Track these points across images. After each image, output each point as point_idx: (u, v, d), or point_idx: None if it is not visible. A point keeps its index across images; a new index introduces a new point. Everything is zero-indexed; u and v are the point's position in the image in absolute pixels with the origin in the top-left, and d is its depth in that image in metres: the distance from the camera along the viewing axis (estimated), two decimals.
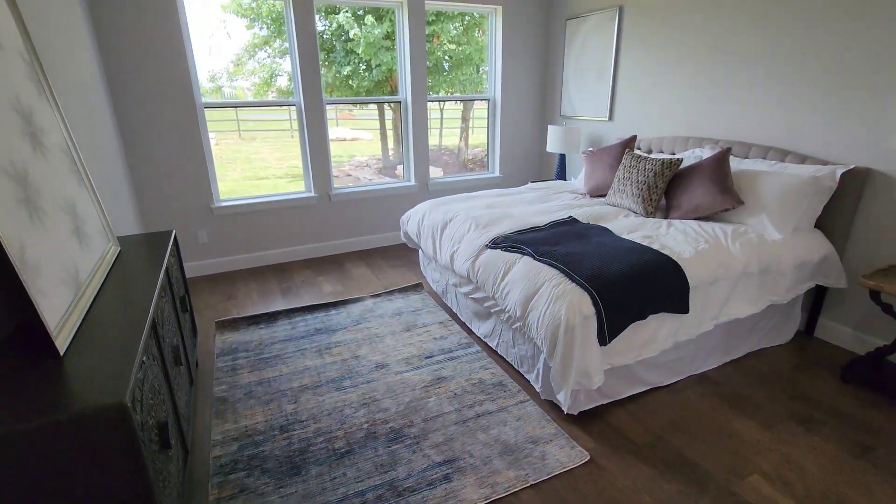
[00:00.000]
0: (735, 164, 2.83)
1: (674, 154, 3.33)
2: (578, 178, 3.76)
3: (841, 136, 2.53)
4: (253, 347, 2.70)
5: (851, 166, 2.46)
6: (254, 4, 4.80)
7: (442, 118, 6.43)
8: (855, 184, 2.46)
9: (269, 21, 5.10)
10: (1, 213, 1.15)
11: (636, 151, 3.45)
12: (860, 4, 2.37)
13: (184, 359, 2.01)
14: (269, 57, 5.60)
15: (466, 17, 4.82)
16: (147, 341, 1.37)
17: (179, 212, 3.58)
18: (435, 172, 5.01)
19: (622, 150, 3.30)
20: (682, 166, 2.87)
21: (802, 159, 2.67)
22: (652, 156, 3.30)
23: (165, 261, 1.91)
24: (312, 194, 4.03)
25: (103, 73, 3.07)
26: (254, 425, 2.06)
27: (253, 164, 5.81)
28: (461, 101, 5.32)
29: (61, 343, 1.22)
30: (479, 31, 4.96)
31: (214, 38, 5.02)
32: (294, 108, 3.96)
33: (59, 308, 1.29)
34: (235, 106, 4.12)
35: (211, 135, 3.65)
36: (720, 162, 2.66)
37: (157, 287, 1.65)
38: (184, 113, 3.41)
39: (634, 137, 3.38)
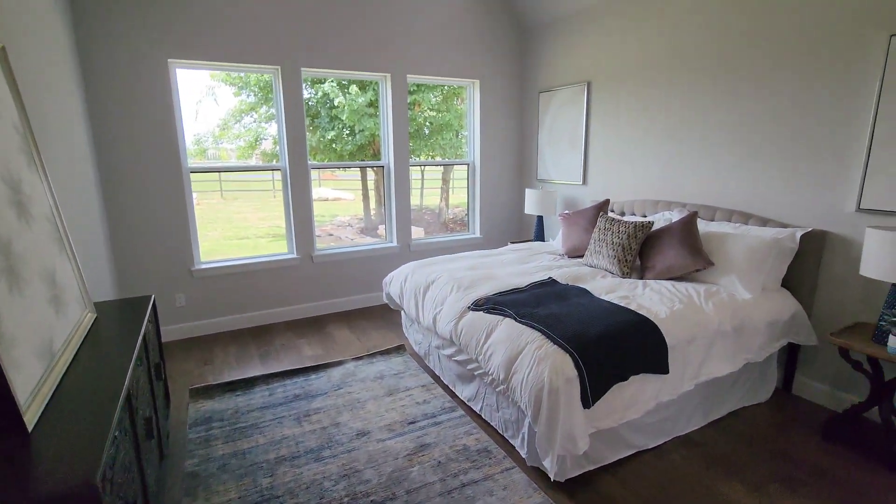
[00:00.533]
0: (702, 226, 2.99)
1: (645, 216, 3.49)
2: (556, 239, 3.88)
3: (798, 200, 2.71)
4: (228, 416, 2.60)
5: (809, 229, 2.62)
6: (242, 74, 5.02)
7: (423, 178, 6.63)
8: (814, 245, 2.61)
9: (256, 89, 5.33)
10: None
11: (610, 214, 3.60)
12: (814, 80, 2.63)
13: (155, 431, 1.92)
14: (255, 122, 5.80)
15: (445, 87, 5.13)
16: (121, 414, 1.32)
17: (158, 274, 3.54)
18: (417, 232, 5.10)
19: (596, 213, 3.45)
20: (653, 228, 3.00)
21: (764, 222, 2.83)
22: (625, 218, 3.45)
23: (143, 328, 1.88)
24: (295, 256, 4.04)
25: (92, 136, 3.13)
26: (226, 503, 1.95)
27: (234, 223, 5.83)
28: (442, 165, 5.54)
29: (30, 418, 1.17)
30: (458, 99, 5.26)
31: (202, 103, 5.20)
32: (279, 171, 4.05)
33: (31, 380, 1.25)
34: (222, 170, 4.20)
35: (193, 195, 3.69)
36: (688, 224, 2.80)
37: (133, 357, 1.61)
38: (169, 177, 3.46)
39: (608, 201, 3.55)
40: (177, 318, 3.66)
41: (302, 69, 3.83)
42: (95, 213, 3.02)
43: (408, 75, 4.28)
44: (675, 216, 3.17)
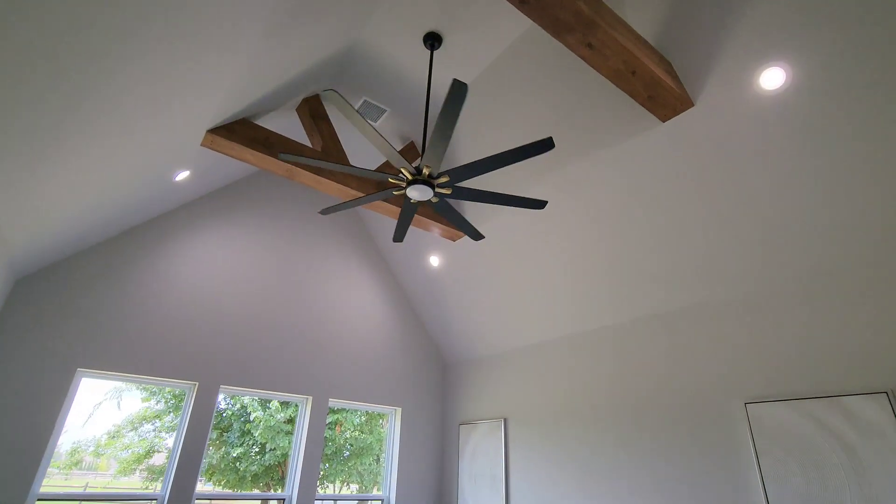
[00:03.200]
0: None
1: None
2: None
3: None
4: None
5: None
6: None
7: None
8: None
9: (169, 396, 4.98)
10: None
11: None
12: (700, 446, 2.85)
13: None
14: (154, 430, 5.14)
15: (370, 412, 5.10)
16: None
17: None
18: None
19: None
20: None
21: None
22: None
23: None
24: None
25: None
26: None
27: None
28: (354, 500, 4.97)
29: None
30: (383, 421, 5.17)
31: (101, 406, 4.64)
32: (154, 501, 3.40)
33: None
34: (84, 498, 3.49)
35: None
36: None
37: None
38: None
39: None
40: None
41: (221, 386, 3.77)
42: None
43: (330, 399, 4.29)
44: None
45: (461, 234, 4.11)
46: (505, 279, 4.10)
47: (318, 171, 3.38)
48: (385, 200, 3.68)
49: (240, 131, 3.09)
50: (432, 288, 4.81)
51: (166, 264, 3.77)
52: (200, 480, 5.21)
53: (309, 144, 4.02)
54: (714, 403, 2.81)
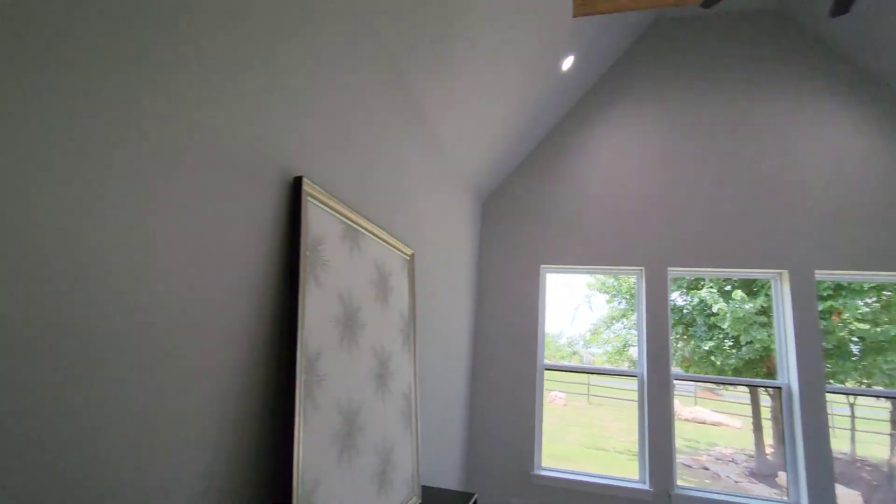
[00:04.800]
0: None
1: None
2: None
3: None
4: None
5: None
6: (615, 283, 5.14)
7: (853, 416, 4.64)
8: None
9: (628, 297, 5.30)
10: (312, 446, 1.22)
11: None
12: None
13: None
14: (624, 328, 5.65)
15: (886, 293, 3.65)
16: None
17: (497, 471, 3.46)
18: (847, 497, 3.31)
19: None
20: None
21: None
22: None
23: None
24: (646, 487, 3.23)
25: (473, 328, 3.68)
26: None
27: (593, 430, 5.44)
28: (886, 397, 3.71)
29: None
30: None
31: (579, 309, 5.52)
32: (634, 378, 3.58)
33: None
34: (571, 370, 4.11)
35: (560, 394, 3.64)
36: None
37: None
38: (524, 373, 3.58)
39: None
40: None
41: (668, 269, 3.53)
42: (459, 398, 3.34)
43: (816, 271, 3.28)
44: None
45: None
46: None
47: None
48: None
49: None
50: None
51: (590, 160, 3.84)
52: (677, 370, 5.26)
53: None
54: None
